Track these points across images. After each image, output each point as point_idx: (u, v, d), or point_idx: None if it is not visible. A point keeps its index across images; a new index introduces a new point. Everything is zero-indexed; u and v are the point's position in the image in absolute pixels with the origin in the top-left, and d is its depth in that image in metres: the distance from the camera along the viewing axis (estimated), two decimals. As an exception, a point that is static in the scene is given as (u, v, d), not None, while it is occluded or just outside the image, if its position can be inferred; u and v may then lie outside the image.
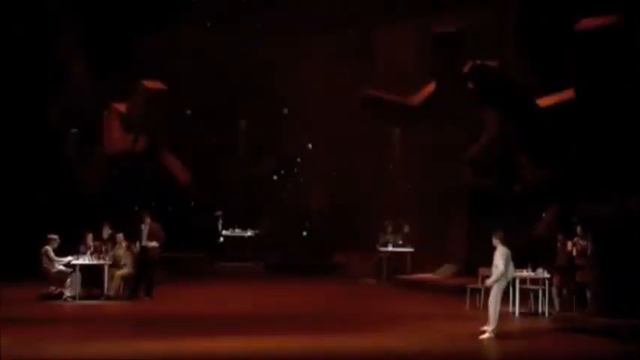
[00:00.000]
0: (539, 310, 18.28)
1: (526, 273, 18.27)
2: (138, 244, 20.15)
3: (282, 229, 29.14)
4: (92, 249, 19.95)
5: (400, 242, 24.97)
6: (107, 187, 26.13)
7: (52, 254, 19.50)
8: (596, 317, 16.17)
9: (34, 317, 17.20)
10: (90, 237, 20.13)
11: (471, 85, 18.64)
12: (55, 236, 19.77)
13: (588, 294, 17.50)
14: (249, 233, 29.43)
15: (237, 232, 29.44)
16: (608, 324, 15.72)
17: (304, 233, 29.74)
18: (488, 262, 19.48)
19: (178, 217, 24.71)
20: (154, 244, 20.10)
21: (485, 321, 15.58)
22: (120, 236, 20.22)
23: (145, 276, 20.12)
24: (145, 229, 20.16)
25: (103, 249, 20.07)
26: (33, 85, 25.32)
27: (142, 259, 20.08)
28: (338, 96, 27.49)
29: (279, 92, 29.30)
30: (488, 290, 19.00)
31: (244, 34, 29.00)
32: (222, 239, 29.54)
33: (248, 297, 21.33)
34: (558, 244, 18.56)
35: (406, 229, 25.17)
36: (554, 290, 18.35)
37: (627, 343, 14.96)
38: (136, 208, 22.13)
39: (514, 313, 18.15)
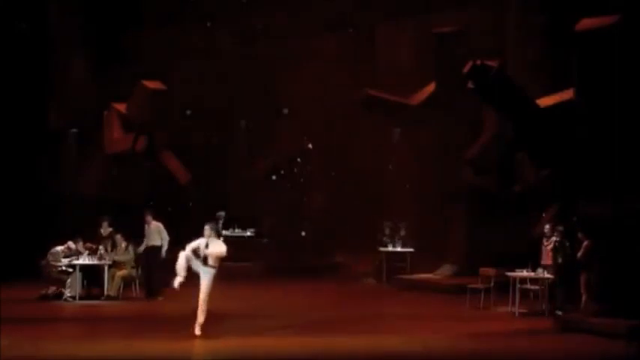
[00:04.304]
0: (539, 310, 18.27)
1: (526, 273, 18.28)
2: (142, 244, 20.17)
3: (282, 229, 29.10)
4: (87, 251, 19.94)
5: (397, 244, 24.85)
6: (107, 187, 26.10)
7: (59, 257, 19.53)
8: (596, 317, 16.16)
9: (34, 317, 17.21)
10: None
11: (471, 85, 18.60)
12: (72, 245, 19.77)
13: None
14: (249, 233, 29.40)
15: (237, 232, 29.41)
16: (608, 324, 15.72)
17: (304, 233, 29.69)
18: (489, 263, 19.61)
19: (178, 217, 24.66)
20: (158, 243, 20.09)
21: (485, 321, 15.58)
22: (118, 237, 20.20)
23: (152, 275, 20.06)
24: (147, 228, 20.14)
25: (102, 248, 20.05)
26: (33, 86, 25.34)
27: (147, 259, 20.06)
28: (338, 96, 27.47)
29: (279, 92, 29.27)
30: (488, 290, 19.09)
31: (244, 34, 29.01)
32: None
33: (248, 297, 21.31)
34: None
35: (403, 232, 25.01)
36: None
37: (627, 343, 14.97)
38: (141, 208, 22.05)
39: (514, 313, 18.15)
